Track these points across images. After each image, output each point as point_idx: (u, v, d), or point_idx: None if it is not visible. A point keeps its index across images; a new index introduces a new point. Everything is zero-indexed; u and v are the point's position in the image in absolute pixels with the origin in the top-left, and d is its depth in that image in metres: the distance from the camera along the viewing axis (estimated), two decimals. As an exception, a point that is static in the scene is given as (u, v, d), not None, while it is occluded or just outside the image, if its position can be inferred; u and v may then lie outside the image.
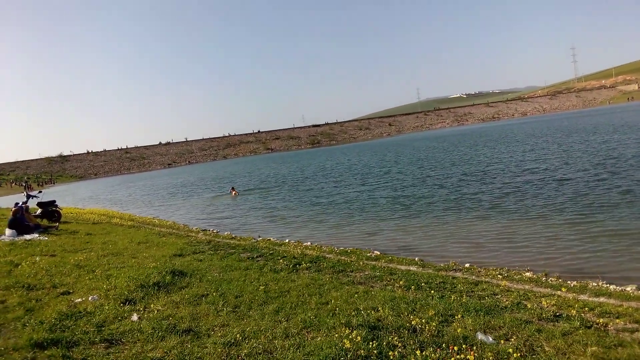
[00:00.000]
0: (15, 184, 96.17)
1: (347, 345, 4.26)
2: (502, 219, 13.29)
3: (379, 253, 10.53)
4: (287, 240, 13.17)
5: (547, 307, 5.62)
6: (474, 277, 7.74)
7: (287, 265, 8.75)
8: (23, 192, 22.41)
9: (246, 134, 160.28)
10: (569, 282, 7.45)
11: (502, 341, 4.47)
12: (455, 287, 6.85)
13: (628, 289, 6.85)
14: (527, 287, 6.96)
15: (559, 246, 10.12)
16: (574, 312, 5.26)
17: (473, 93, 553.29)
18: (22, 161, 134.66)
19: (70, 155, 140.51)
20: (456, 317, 5.16)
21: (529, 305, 5.68)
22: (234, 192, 30.31)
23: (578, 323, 4.91)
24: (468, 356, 4.00)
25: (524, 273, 8.13)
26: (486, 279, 7.47)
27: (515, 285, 7.02)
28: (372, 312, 5.37)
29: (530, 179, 19.91)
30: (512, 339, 4.55)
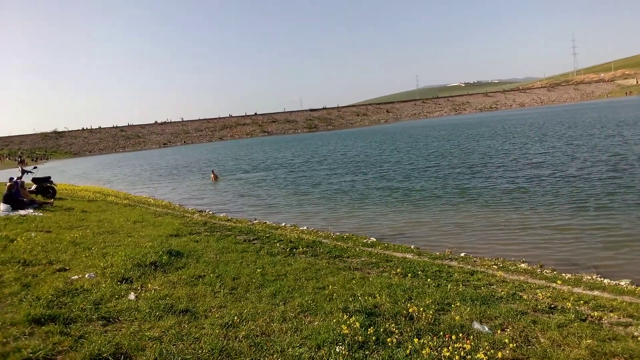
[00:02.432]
0: (9, 158, 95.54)
1: (345, 330, 4.27)
2: (499, 210, 13.37)
3: (375, 240, 10.57)
4: (283, 224, 13.18)
5: (543, 298, 5.67)
6: (469, 266, 7.79)
7: (283, 249, 8.76)
8: (18, 167, 22.26)
9: (243, 116, 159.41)
10: (563, 274, 7.53)
11: (498, 331, 4.51)
12: (451, 276, 6.88)
13: (622, 283, 6.93)
14: (522, 278, 7.02)
15: (554, 239, 10.21)
16: (569, 304, 5.30)
17: (472, 82, 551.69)
18: (17, 136, 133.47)
19: (65, 131, 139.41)
20: (453, 306, 5.19)
21: (524, 297, 5.73)
22: (213, 177, 30.12)
23: (573, 316, 4.95)
24: (464, 345, 4.03)
25: (519, 264, 8.20)
26: (482, 269, 7.52)
27: (510, 276, 7.08)
28: (369, 298, 5.39)
29: (528, 172, 19.98)
30: (508, 329, 4.58)
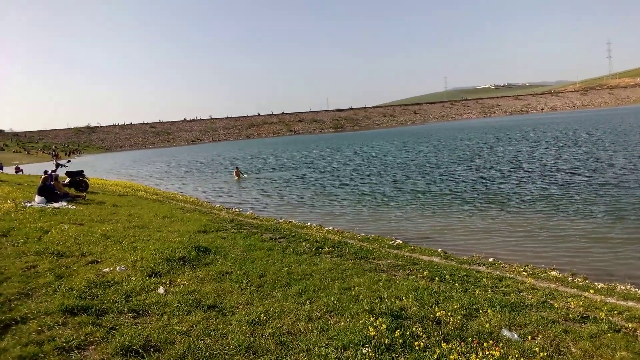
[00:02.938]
0: (43, 152, 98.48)
1: (372, 332, 4.25)
2: (529, 217, 13.08)
3: (401, 242, 10.49)
4: (309, 224, 13.21)
5: (574, 307, 5.53)
6: (498, 272, 7.66)
7: (309, 248, 8.78)
8: (52, 161, 22.91)
9: (270, 115, 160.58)
10: (596, 283, 7.32)
11: (528, 339, 4.42)
12: (479, 281, 6.78)
13: (658, 294, 6.70)
14: (552, 286, 6.86)
15: (586, 247, 9.95)
16: (601, 314, 5.16)
17: (502, 85, 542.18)
18: (51, 130, 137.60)
19: (97, 126, 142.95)
20: (481, 311, 5.12)
21: (555, 305, 5.59)
22: (236, 173, 30.25)
23: (606, 326, 4.81)
24: (493, 352, 3.96)
25: (550, 272, 8.01)
26: (511, 275, 7.39)
27: (540, 284, 6.93)
28: (396, 300, 5.36)
29: (561, 178, 19.51)
30: (538, 338, 4.49)
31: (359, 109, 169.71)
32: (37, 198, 12.58)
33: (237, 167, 31.61)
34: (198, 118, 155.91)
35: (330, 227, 12.57)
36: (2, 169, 48.13)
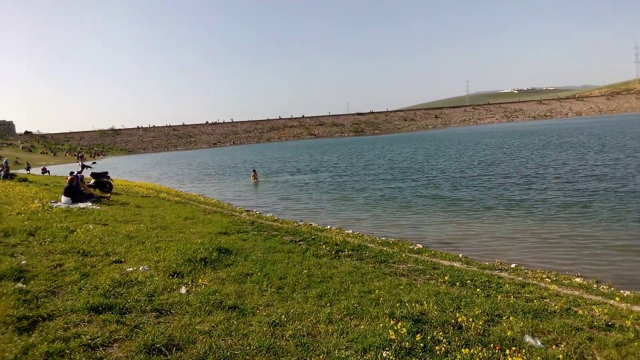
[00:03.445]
0: (69, 153, 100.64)
1: (392, 336, 4.24)
2: (554, 224, 12.84)
3: (421, 246, 10.42)
4: (328, 227, 13.21)
5: (599, 315, 5.42)
6: (520, 278, 7.55)
7: (329, 251, 8.78)
8: (78, 162, 23.42)
9: (290, 119, 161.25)
10: (622, 291, 7.16)
11: (551, 346, 4.34)
12: (501, 287, 6.70)
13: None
14: (577, 293, 6.73)
15: (612, 255, 9.75)
16: (628, 323, 5.04)
17: (525, 89, 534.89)
18: (77, 132, 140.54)
19: (122, 129, 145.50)
20: (503, 317, 5.05)
21: (579, 312, 5.49)
22: (253, 175, 30.32)
23: (632, 335, 4.70)
24: (516, 358, 3.91)
25: (574, 278, 7.87)
26: (534, 282, 7.27)
27: (564, 290, 6.80)
28: (416, 305, 5.33)
29: (587, 185, 19.09)
30: (562, 345, 4.41)
31: (380, 112, 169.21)
32: (64, 198, 12.86)
33: (254, 170, 31.84)
34: (220, 121, 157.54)
35: (350, 231, 12.56)
36: (29, 169, 49.36)
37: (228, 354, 3.94)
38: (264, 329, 4.49)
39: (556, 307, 5.67)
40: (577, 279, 7.80)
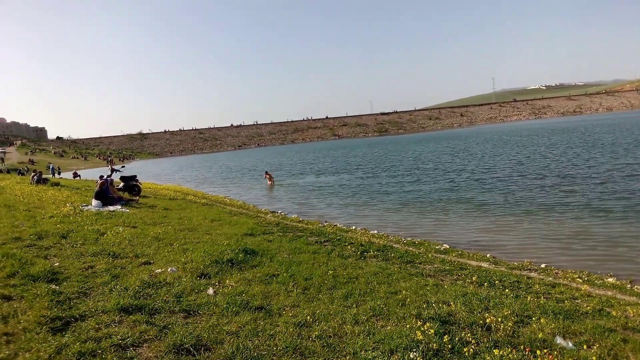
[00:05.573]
0: (99, 158, 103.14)
1: (419, 337, 4.20)
2: (585, 223, 12.53)
3: (448, 247, 10.30)
4: (353, 228, 13.19)
5: (633, 316, 5.25)
6: (550, 278, 7.39)
7: (354, 252, 8.76)
8: (107, 166, 23.92)
9: (314, 120, 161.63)
10: (658, 292, 6.93)
11: (584, 348, 4.23)
12: (530, 287, 6.56)
13: None
14: (609, 293, 6.54)
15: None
16: (664, 324, 4.88)
17: (553, 85, 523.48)
18: (106, 137, 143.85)
19: (149, 133, 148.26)
20: (533, 318, 4.95)
21: (612, 313, 5.33)
22: (268, 179, 30.19)
23: (669, 337, 4.55)
24: (546, 360, 3.83)
25: (607, 278, 7.66)
26: (564, 282, 7.11)
27: (596, 291, 6.63)
28: (444, 306, 5.26)
29: (623, 185, 18.53)
30: (595, 347, 4.29)
31: (404, 112, 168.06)
32: (94, 202, 13.17)
33: (266, 172, 31.85)
34: (244, 124, 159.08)
35: (375, 231, 12.50)
36: (60, 174, 50.72)
37: (255, 354, 3.96)
38: (290, 329, 4.51)
39: (588, 307, 5.52)
40: (610, 279, 7.58)
